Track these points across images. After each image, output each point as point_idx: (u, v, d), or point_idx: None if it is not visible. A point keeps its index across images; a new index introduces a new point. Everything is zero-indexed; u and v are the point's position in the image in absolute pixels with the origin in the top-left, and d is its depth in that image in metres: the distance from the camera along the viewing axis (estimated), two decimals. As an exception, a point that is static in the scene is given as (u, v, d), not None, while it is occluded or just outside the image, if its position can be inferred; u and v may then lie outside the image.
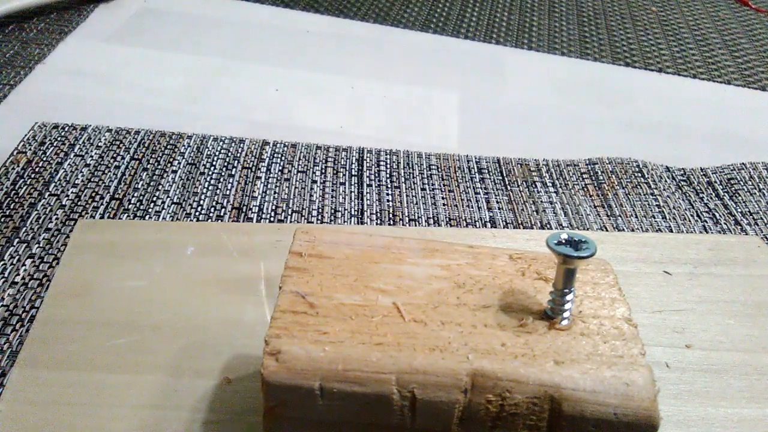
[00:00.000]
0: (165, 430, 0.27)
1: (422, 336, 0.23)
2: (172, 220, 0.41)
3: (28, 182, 0.43)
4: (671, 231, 0.44)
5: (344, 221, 0.42)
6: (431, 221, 0.43)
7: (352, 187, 0.46)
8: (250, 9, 0.73)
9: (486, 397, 0.22)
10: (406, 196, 0.45)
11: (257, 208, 0.43)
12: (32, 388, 0.28)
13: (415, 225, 0.43)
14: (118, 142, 0.48)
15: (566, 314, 0.25)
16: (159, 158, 0.46)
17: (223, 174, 0.46)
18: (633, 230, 0.43)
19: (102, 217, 0.40)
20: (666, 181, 0.49)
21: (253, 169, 0.46)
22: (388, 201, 0.44)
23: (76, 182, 0.43)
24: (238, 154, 0.48)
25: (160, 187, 0.44)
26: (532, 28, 0.76)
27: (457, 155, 0.50)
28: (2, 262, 0.36)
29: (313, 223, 0.42)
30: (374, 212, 0.43)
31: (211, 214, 0.42)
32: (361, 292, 0.25)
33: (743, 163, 0.51)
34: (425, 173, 0.48)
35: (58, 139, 0.47)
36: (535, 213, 0.44)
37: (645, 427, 0.22)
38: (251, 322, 0.32)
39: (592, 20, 0.79)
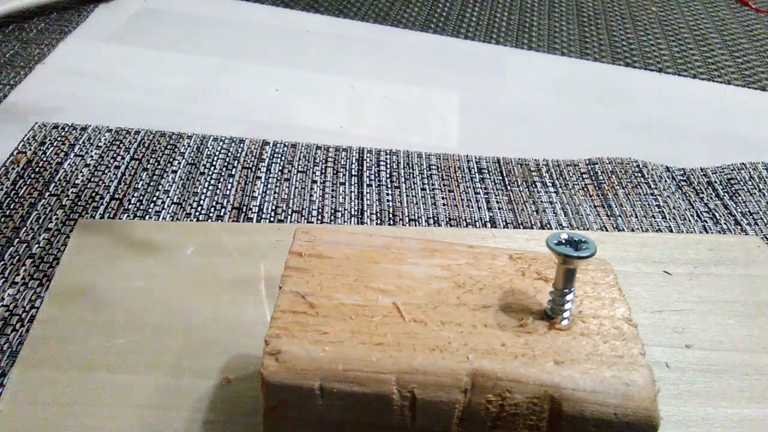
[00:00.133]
0: (165, 430, 0.27)
1: (422, 336, 0.23)
2: (172, 220, 0.41)
3: (28, 182, 0.43)
4: (671, 231, 0.44)
5: (344, 221, 0.42)
6: (431, 221, 0.43)
7: (352, 187, 0.46)
8: (250, 9, 0.73)
9: (486, 397, 0.22)
10: (406, 196, 0.45)
11: (257, 208, 0.43)
12: (32, 388, 0.28)
13: (415, 225, 0.43)
14: (118, 142, 0.48)
15: (566, 314, 0.25)
16: (159, 158, 0.46)
17: (223, 174, 0.46)
18: (633, 230, 0.43)
19: (102, 217, 0.40)
20: (666, 181, 0.49)
21: (253, 169, 0.46)
22: (388, 201, 0.44)
23: (76, 182, 0.43)
24: (238, 154, 0.48)
25: (160, 187, 0.44)
26: (532, 28, 0.76)
27: (457, 155, 0.50)
28: (2, 262, 0.36)
29: (313, 223, 0.42)
30: (374, 212, 0.43)
31: (211, 214, 0.42)
32: (361, 292, 0.25)
33: (743, 163, 0.51)
34: (425, 173, 0.48)
35: (58, 139, 0.47)
36: (535, 213, 0.44)
37: (645, 427, 0.22)
38: (251, 322, 0.32)
39: (592, 20, 0.79)
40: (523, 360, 0.23)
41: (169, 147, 0.48)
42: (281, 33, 0.68)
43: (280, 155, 0.48)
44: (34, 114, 0.50)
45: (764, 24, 0.81)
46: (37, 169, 0.44)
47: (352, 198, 0.44)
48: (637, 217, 0.45)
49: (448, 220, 0.43)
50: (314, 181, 0.46)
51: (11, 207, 0.40)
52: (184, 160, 0.46)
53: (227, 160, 0.47)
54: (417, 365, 0.22)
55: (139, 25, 0.67)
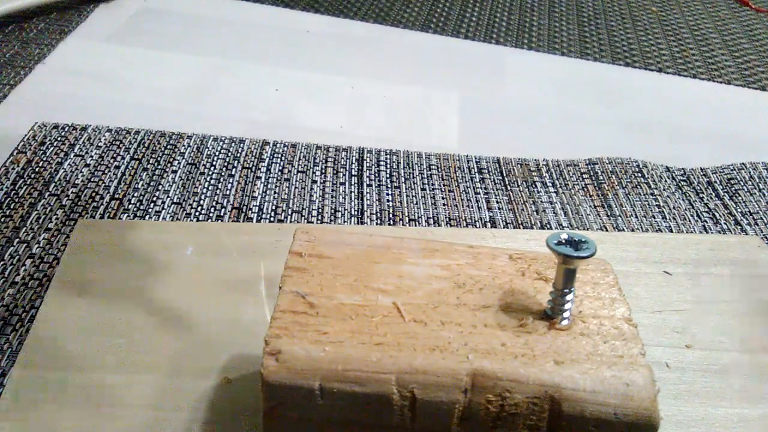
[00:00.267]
0: (165, 430, 0.27)
1: (422, 336, 0.23)
2: (172, 220, 0.41)
3: (28, 182, 0.43)
4: (671, 231, 0.44)
5: (344, 221, 0.42)
6: (431, 221, 0.43)
7: (352, 187, 0.46)
8: (250, 9, 0.73)
9: (486, 397, 0.22)
10: (406, 196, 0.45)
11: (257, 208, 0.43)
12: (32, 388, 0.28)
13: (415, 225, 0.43)
14: (118, 142, 0.48)
15: (566, 314, 0.25)
16: (159, 158, 0.46)
17: (223, 174, 0.46)
18: (633, 230, 0.43)
19: (102, 217, 0.40)
20: (666, 181, 0.49)
21: (253, 169, 0.46)
22: (388, 201, 0.44)
23: (76, 182, 0.43)
24: (238, 154, 0.48)
25: (160, 187, 0.44)
26: (532, 28, 0.76)
27: (457, 155, 0.50)
28: (2, 262, 0.36)
29: (313, 223, 0.42)
30: (374, 212, 0.43)
31: (211, 214, 0.42)
32: (361, 292, 0.25)
33: (743, 163, 0.51)
34: (425, 173, 0.48)
35: (58, 139, 0.47)
36: (535, 213, 0.44)
37: (645, 427, 0.22)
38: (251, 322, 0.32)
39: (592, 20, 0.79)
40: (523, 360, 0.23)
41: (169, 147, 0.48)
42: (281, 33, 0.68)
43: (280, 155, 0.48)
44: (34, 114, 0.50)
45: (764, 24, 0.81)
46: (37, 169, 0.44)
47: (352, 198, 0.44)
48: (637, 217, 0.45)
49: (448, 220, 0.43)
50: (314, 181, 0.46)
51: (11, 207, 0.40)
52: (184, 160, 0.46)
53: (227, 160, 0.47)
54: (417, 365, 0.22)
55: (139, 25, 0.67)
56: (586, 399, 0.22)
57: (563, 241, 0.24)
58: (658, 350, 0.32)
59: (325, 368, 0.22)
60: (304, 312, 0.24)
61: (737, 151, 0.54)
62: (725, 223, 0.45)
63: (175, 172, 0.45)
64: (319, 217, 0.42)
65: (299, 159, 0.48)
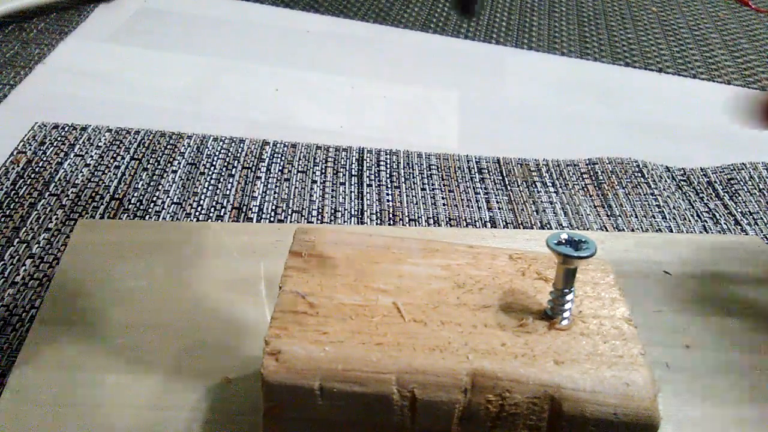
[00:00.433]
0: (165, 430, 0.27)
1: (422, 336, 0.23)
2: (172, 220, 0.41)
3: (28, 182, 0.43)
4: (671, 231, 0.44)
5: (344, 221, 0.42)
6: (431, 221, 0.43)
7: (352, 187, 0.46)
8: (250, 9, 0.73)
9: (486, 396, 0.22)
10: (406, 196, 0.45)
11: (257, 208, 0.43)
12: (32, 388, 0.28)
13: (415, 225, 0.43)
14: (118, 142, 0.48)
15: (566, 314, 0.25)
16: (159, 158, 0.46)
17: (223, 174, 0.46)
18: (633, 230, 0.43)
19: (102, 217, 0.40)
20: (666, 181, 0.49)
21: (253, 169, 0.46)
22: (388, 201, 0.44)
23: (76, 182, 0.43)
24: (238, 154, 0.48)
25: (160, 187, 0.44)
26: (532, 28, 0.76)
27: (457, 155, 0.50)
28: (2, 262, 0.36)
29: (313, 223, 0.42)
30: (374, 212, 0.43)
31: (211, 214, 0.42)
32: (361, 292, 0.25)
33: (743, 163, 0.51)
34: (425, 173, 0.48)
35: (58, 139, 0.47)
36: (535, 213, 0.44)
37: (645, 427, 0.22)
38: (251, 322, 0.32)
39: (592, 20, 0.79)
40: (523, 360, 0.23)
41: (169, 147, 0.48)
42: (281, 33, 0.68)
43: (280, 155, 0.48)
44: (34, 114, 0.50)
45: (764, 24, 0.81)
46: (37, 169, 0.44)
47: (352, 198, 0.44)
48: (637, 217, 0.45)
49: (448, 220, 0.43)
50: (314, 181, 0.46)
51: (11, 207, 0.40)
52: (184, 160, 0.46)
53: (227, 160, 0.47)
54: (417, 365, 0.22)
55: (139, 25, 0.67)
56: (586, 399, 0.22)
57: (563, 241, 0.24)
58: (658, 350, 0.32)
59: (325, 368, 0.22)
60: (304, 312, 0.24)
61: (737, 151, 0.54)
62: (725, 223, 0.45)
63: (175, 172, 0.45)
64: (319, 217, 0.42)
65: (299, 159, 0.48)
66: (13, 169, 0.44)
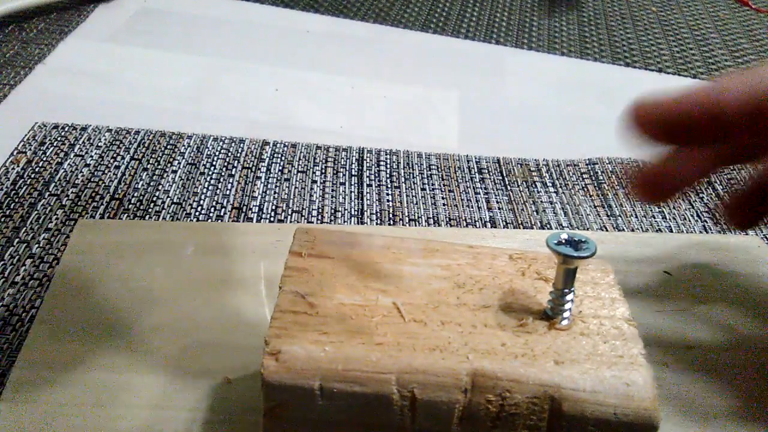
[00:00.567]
0: (165, 430, 0.27)
1: (422, 336, 0.23)
2: (172, 220, 0.41)
3: (28, 182, 0.43)
4: (671, 231, 0.43)
5: (344, 221, 0.42)
6: (431, 221, 0.43)
7: (352, 187, 0.46)
8: (250, 9, 0.73)
9: (486, 397, 0.22)
10: (406, 196, 0.45)
11: (257, 208, 0.43)
12: (32, 388, 0.28)
13: (415, 225, 0.43)
14: (118, 142, 0.48)
15: (566, 314, 0.25)
16: (159, 158, 0.46)
17: (223, 174, 0.46)
18: (633, 230, 0.43)
19: (102, 217, 0.40)
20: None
21: (253, 169, 0.46)
22: (388, 201, 0.44)
23: (76, 182, 0.43)
24: (238, 154, 0.48)
25: (160, 187, 0.44)
26: (532, 28, 0.76)
27: (457, 155, 0.50)
28: (2, 262, 0.36)
29: (313, 223, 0.42)
30: (374, 212, 0.43)
31: (211, 214, 0.42)
32: (361, 292, 0.25)
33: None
34: (425, 173, 0.48)
35: (58, 139, 0.47)
36: (535, 213, 0.44)
37: (645, 427, 0.22)
38: (251, 322, 0.32)
39: (592, 20, 0.79)
40: (523, 360, 0.23)
41: (169, 147, 0.48)
42: (281, 33, 0.68)
43: (280, 155, 0.48)
44: (34, 114, 0.50)
45: (764, 24, 0.81)
46: (37, 169, 0.44)
47: (352, 198, 0.44)
48: (637, 217, 0.45)
49: (448, 220, 0.43)
50: (314, 181, 0.46)
51: (11, 207, 0.40)
52: (184, 160, 0.46)
53: (227, 160, 0.47)
54: (417, 365, 0.22)
55: (139, 25, 0.67)
56: (586, 399, 0.22)
57: (563, 241, 0.24)
58: (658, 350, 0.32)
59: (325, 368, 0.22)
60: (304, 312, 0.24)
61: (737, 151, 0.54)
62: (725, 223, 0.45)
63: (175, 172, 0.45)
64: (319, 217, 0.42)
65: (299, 159, 0.48)
66: (13, 169, 0.44)
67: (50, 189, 0.42)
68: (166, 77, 0.58)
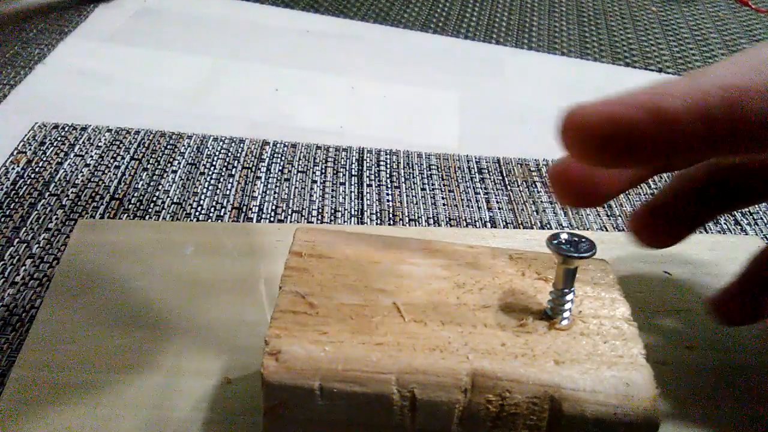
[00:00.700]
0: (165, 430, 0.27)
1: (422, 336, 0.23)
2: (172, 220, 0.41)
3: (28, 182, 0.43)
4: (671, 231, 0.43)
5: (344, 221, 0.42)
6: (431, 221, 0.43)
7: (352, 187, 0.46)
8: (250, 9, 0.73)
9: (486, 397, 0.22)
10: (406, 196, 0.45)
11: (257, 208, 0.43)
12: (32, 388, 0.28)
13: (415, 225, 0.43)
14: (118, 142, 0.48)
15: (566, 314, 0.25)
16: (159, 158, 0.46)
17: (223, 174, 0.46)
18: (633, 230, 0.43)
19: (102, 217, 0.40)
20: (666, 180, 0.48)
21: (253, 169, 0.46)
22: (388, 201, 0.44)
23: (76, 182, 0.43)
24: (238, 154, 0.48)
25: (160, 187, 0.44)
26: (532, 28, 0.76)
27: (457, 155, 0.50)
28: (2, 262, 0.36)
29: (313, 223, 0.42)
30: (374, 212, 0.43)
31: (211, 214, 0.42)
32: (361, 292, 0.25)
33: (743, 163, 0.51)
34: (425, 173, 0.48)
35: (58, 139, 0.47)
36: (535, 213, 0.44)
37: (645, 427, 0.22)
38: (251, 322, 0.32)
39: (592, 20, 0.79)
40: (523, 360, 0.23)
41: (169, 147, 0.48)
42: (281, 33, 0.68)
43: (280, 155, 0.48)
44: (34, 114, 0.50)
45: (764, 24, 0.81)
46: (37, 169, 0.44)
47: (352, 198, 0.44)
48: (637, 217, 0.45)
49: (448, 220, 0.43)
50: (314, 181, 0.46)
51: (11, 207, 0.40)
52: (184, 160, 0.46)
53: (227, 160, 0.47)
54: (417, 365, 0.22)
55: (139, 25, 0.67)
56: (586, 399, 0.22)
57: (563, 241, 0.24)
58: (658, 350, 0.32)
59: (325, 368, 0.22)
60: (304, 312, 0.24)
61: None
62: (725, 223, 0.45)
63: (175, 172, 0.45)
64: (319, 217, 0.42)
65: (299, 159, 0.48)
66: (13, 169, 0.44)
67: (50, 189, 0.42)
68: (166, 77, 0.58)
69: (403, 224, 0.42)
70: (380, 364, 0.22)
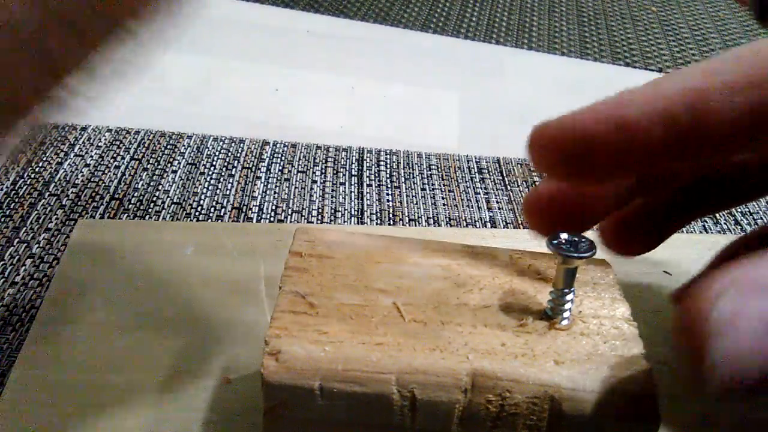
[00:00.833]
0: (165, 430, 0.27)
1: (422, 336, 0.23)
2: (172, 220, 0.41)
3: (28, 182, 0.43)
4: (671, 231, 0.43)
5: (344, 221, 0.42)
6: (431, 221, 0.43)
7: (352, 187, 0.46)
8: (250, 9, 0.73)
9: (486, 397, 0.22)
10: (406, 196, 0.45)
11: (257, 208, 0.43)
12: (32, 388, 0.28)
13: (415, 225, 0.43)
14: (118, 142, 0.48)
15: (566, 314, 0.25)
16: (159, 158, 0.46)
17: (223, 174, 0.46)
18: (633, 230, 0.43)
19: (102, 217, 0.40)
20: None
21: (253, 169, 0.46)
22: (388, 201, 0.44)
23: (76, 182, 0.43)
24: (238, 154, 0.48)
25: (160, 187, 0.44)
26: (532, 28, 0.76)
27: (457, 155, 0.50)
28: (2, 262, 0.36)
29: (313, 223, 0.42)
30: (374, 212, 0.43)
31: (211, 214, 0.42)
32: (361, 292, 0.25)
33: (743, 163, 0.51)
34: (425, 173, 0.48)
35: (58, 139, 0.47)
36: (535, 213, 0.44)
37: (645, 427, 0.22)
38: (251, 322, 0.32)
39: (592, 20, 0.79)
40: (523, 360, 0.23)
41: (169, 147, 0.48)
42: (281, 33, 0.68)
43: (280, 155, 0.48)
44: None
45: (764, 24, 0.81)
46: (37, 169, 0.44)
47: (352, 198, 0.44)
48: (637, 217, 0.45)
49: (448, 220, 0.43)
50: (314, 181, 0.46)
51: (11, 207, 0.40)
52: (184, 160, 0.46)
53: (227, 160, 0.47)
54: (417, 365, 0.22)
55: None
56: (586, 399, 0.22)
57: (563, 241, 0.24)
58: (658, 350, 0.32)
59: (325, 368, 0.22)
60: (304, 312, 0.24)
61: (737, 151, 0.54)
62: (725, 223, 0.45)
63: (175, 172, 0.45)
64: (319, 217, 0.42)
65: (299, 159, 0.48)
66: (13, 169, 0.44)
67: (50, 189, 0.42)
68: (165, 77, 0.58)
69: (403, 224, 0.42)
70: (380, 364, 0.22)
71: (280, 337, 0.23)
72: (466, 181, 0.47)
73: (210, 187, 0.44)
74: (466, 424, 0.23)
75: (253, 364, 0.30)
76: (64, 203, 0.41)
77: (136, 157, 0.46)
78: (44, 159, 0.45)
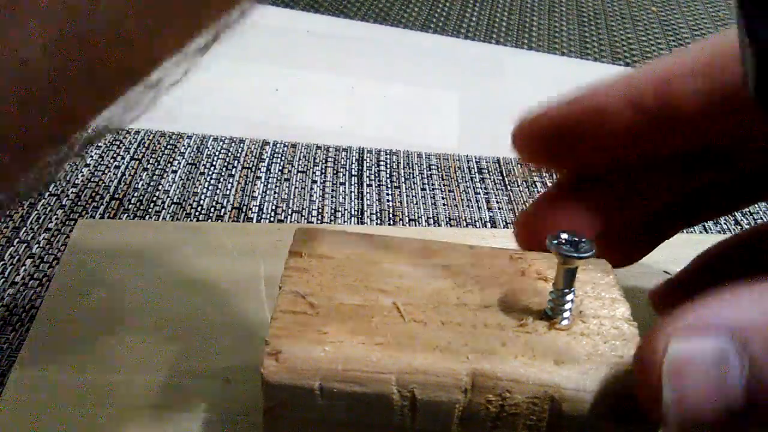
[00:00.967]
0: (165, 430, 0.27)
1: (422, 336, 0.23)
2: (172, 220, 0.41)
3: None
4: (671, 231, 0.43)
5: (344, 221, 0.42)
6: (431, 221, 0.43)
7: (352, 187, 0.46)
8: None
9: (486, 397, 0.22)
10: (406, 196, 0.45)
11: (257, 208, 0.43)
12: (32, 388, 0.28)
13: (415, 225, 0.43)
14: (118, 142, 0.48)
15: (566, 314, 0.25)
16: (159, 158, 0.46)
17: (223, 174, 0.46)
18: (633, 230, 0.43)
19: (102, 217, 0.40)
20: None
21: (253, 169, 0.46)
22: (388, 201, 0.45)
23: (76, 182, 0.43)
24: (238, 154, 0.48)
25: (160, 187, 0.44)
26: (532, 28, 0.76)
27: (457, 155, 0.50)
28: (2, 262, 0.36)
29: (313, 223, 0.42)
30: (374, 212, 0.43)
31: (211, 214, 0.42)
32: (361, 292, 0.25)
33: (743, 163, 0.51)
34: (425, 173, 0.48)
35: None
36: (535, 213, 0.44)
37: (645, 427, 0.22)
38: (251, 322, 0.32)
39: (592, 20, 0.79)
40: (523, 360, 0.23)
41: (169, 147, 0.48)
42: (281, 33, 0.68)
43: (280, 155, 0.48)
44: (34, 114, 0.50)
45: (764, 24, 0.81)
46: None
47: (352, 198, 0.44)
48: (637, 217, 0.45)
49: (448, 220, 0.43)
50: (314, 181, 0.46)
51: (11, 207, 0.40)
52: (184, 160, 0.46)
53: (227, 160, 0.47)
54: (417, 365, 0.22)
55: (139, 25, 0.67)
56: (586, 399, 0.22)
57: (563, 241, 0.24)
58: (658, 350, 0.32)
59: (325, 368, 0.22)
60: (304, 312, 0.24)
61: (737, 151, 0.54)
62: (725, 223, 0.45)
63: (175, 172, 0.45)
64: (319, 217, 0.42)
65: (299, 159, 0.48)
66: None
67: (50, 189, 0.42)
68: (165, 77, 0.58)
69: (403, 224, 0.42)
70: (380, 364, 0.22)
71: (280, 337, 0.23)
72: (466, 181, 0.47)
73: (210, 187, 0.44)
74: (466, 424, 0.23)
75: (253, 364, 0.30)
76: (64, 203, 0.41)
77: (136, 157, 0.46)
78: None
